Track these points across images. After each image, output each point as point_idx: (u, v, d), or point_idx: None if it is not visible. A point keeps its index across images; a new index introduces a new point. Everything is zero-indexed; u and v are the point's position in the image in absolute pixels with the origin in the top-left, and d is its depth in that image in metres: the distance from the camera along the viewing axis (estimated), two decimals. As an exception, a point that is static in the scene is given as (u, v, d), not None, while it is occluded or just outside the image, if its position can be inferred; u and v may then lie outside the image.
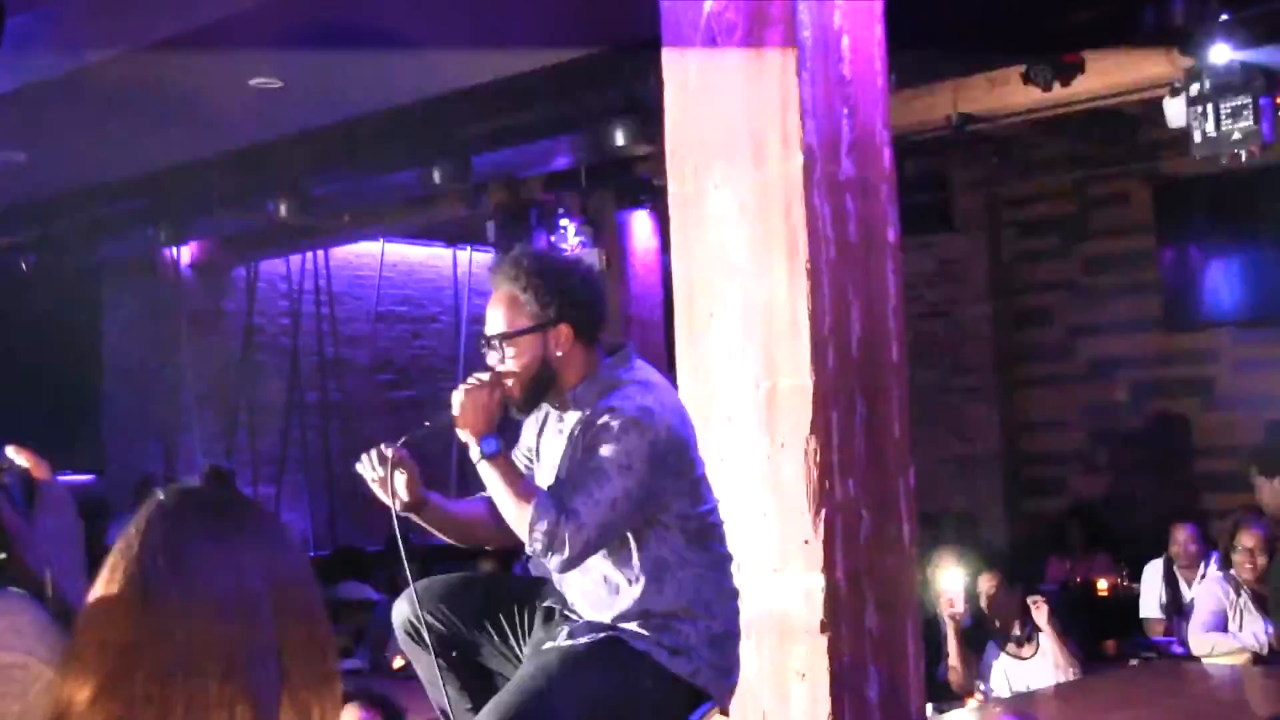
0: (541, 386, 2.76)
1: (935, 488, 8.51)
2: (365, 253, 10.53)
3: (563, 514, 2.57)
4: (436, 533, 2.85)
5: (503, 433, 2.84)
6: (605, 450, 2.60)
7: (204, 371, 9.89)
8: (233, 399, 10.02)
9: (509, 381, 2.74)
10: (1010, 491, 9.56)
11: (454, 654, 2.81)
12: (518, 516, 2.62)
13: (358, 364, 10.49)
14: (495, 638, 2.81)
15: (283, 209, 7.18)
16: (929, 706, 4.49)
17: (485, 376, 2.73)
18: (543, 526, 2.57)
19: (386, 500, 2.71)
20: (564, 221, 8.59)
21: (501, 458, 2.67)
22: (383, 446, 2.73)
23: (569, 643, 2.71)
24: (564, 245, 8.67)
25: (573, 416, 2.76)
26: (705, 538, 2.76)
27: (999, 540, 8.95)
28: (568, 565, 2.62)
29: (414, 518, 2.79)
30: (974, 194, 9.55)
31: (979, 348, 9.69)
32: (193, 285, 9.92)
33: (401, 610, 2.81)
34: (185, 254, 9.79)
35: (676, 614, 2.71)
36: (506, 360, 2.75)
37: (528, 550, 2.67)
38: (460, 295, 10.72)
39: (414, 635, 2.80)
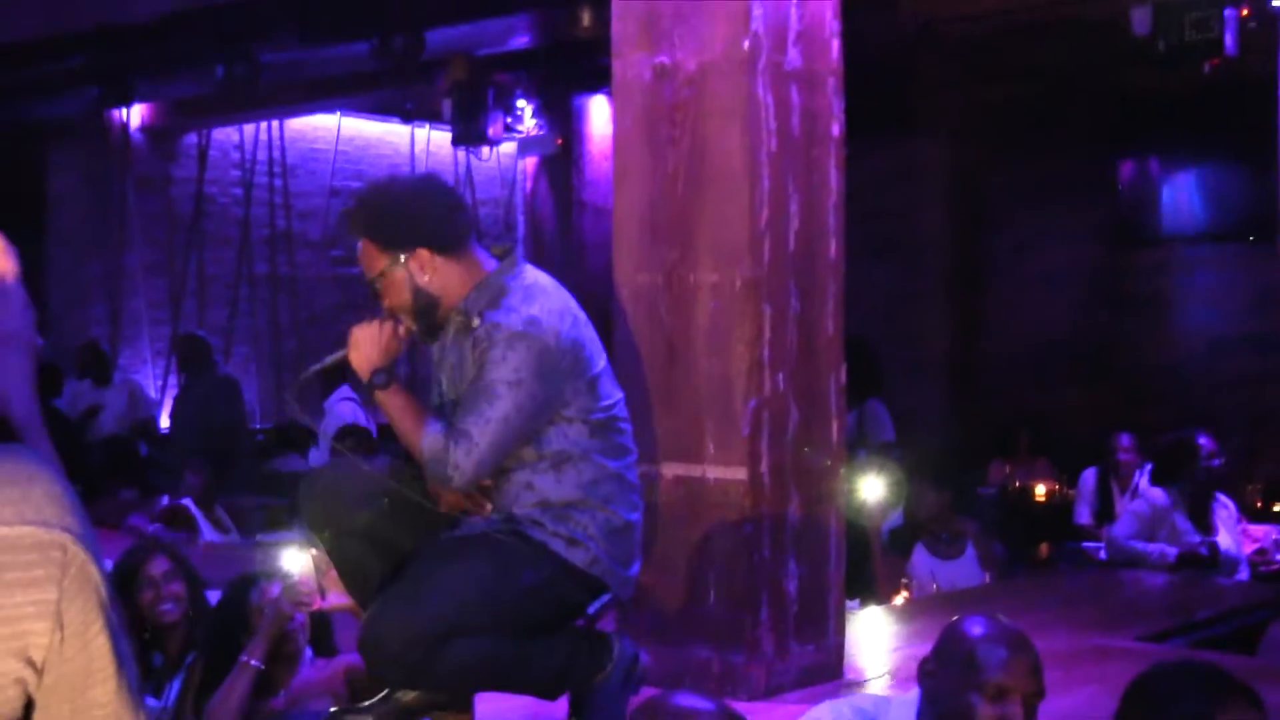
0: (430, 313, 2.77)
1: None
2: (321, 126, 10.33)
3: (452, 437, 2.61)
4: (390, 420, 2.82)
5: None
6: (494, 367, 2.63)
7: (152, 238, 9.73)
8: (180, 267, 9.89)
9: (400, 317, 2.75)
10: (957, 395, 9.62)
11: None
12: (412, 443, 2.68)
13: (309, 238, 10.36)
14: (390, 527, 2.78)
15: (231, 74, 6.99)
16: (855, 602, 4.54)
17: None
18: (434, 451, 2.62)
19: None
20: (520, 103, 8.45)
21: (392, 389, 2.70)
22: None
23: (465, 533, 2.71)
24: (520, 128, 8.53)
25: (466, 325, 2.74)
26: (607, 430, 2.76)
27: (944, 442, 9.02)
28: (464, 485, 2.66)
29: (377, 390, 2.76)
30: (938, 97, 9.45)
31: (935, 253, 9.67)
32: (142, 149, 9.70)
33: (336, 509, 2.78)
34: (134, 116, 9.57)
35: (575, 504, 2.71)
36: (388, 299, 2.77)
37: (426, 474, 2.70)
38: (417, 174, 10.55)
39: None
